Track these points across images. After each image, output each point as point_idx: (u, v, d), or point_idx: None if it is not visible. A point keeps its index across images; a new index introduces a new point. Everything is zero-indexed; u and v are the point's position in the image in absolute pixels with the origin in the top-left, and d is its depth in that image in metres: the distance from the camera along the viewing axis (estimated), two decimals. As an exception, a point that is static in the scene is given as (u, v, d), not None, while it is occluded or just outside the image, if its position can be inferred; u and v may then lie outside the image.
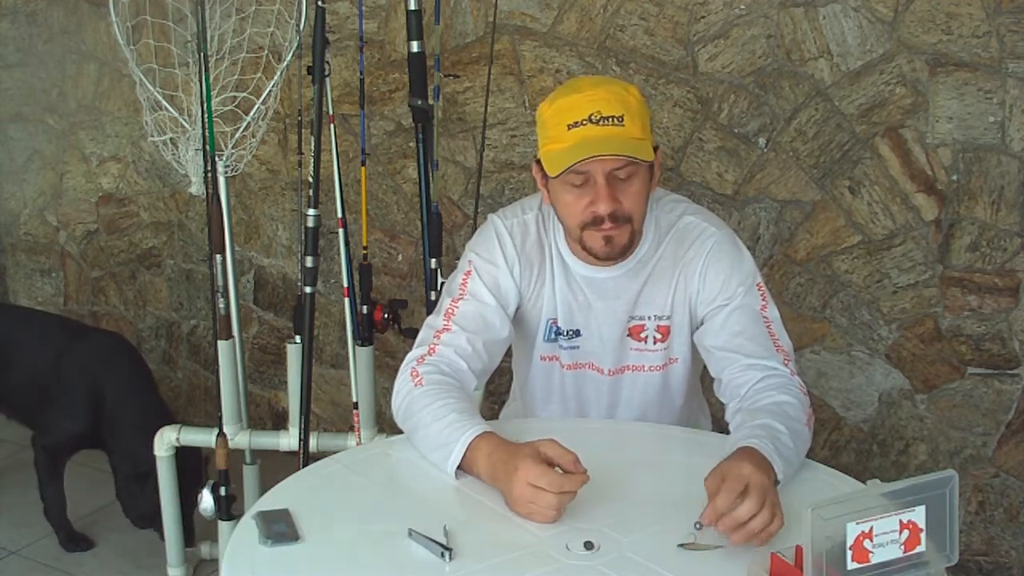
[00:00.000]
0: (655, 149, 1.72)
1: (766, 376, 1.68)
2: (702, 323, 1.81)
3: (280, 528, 1.39)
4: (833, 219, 2.66)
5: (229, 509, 2.44)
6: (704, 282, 1.78)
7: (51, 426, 2.92)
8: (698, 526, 1.35)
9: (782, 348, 1.73)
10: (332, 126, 2.38)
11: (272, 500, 1.50)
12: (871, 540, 1.19)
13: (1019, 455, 2.59)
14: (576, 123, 1.64)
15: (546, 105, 1.72)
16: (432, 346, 1.74)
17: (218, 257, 2.45)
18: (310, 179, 2.34)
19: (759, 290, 1.78)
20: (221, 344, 2.48)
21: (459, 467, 1.55)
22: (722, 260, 1.78)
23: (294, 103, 3.13)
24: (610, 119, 1.64)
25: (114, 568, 2.93)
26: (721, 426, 1.80)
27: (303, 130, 2.63)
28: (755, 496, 1.34)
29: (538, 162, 1.75)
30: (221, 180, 2.53)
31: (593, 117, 1.64)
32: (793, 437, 1.56)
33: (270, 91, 2.50)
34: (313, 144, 2.32)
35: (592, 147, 1.62)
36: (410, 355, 1.76)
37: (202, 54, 2.33)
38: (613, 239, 1.71)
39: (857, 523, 1.18)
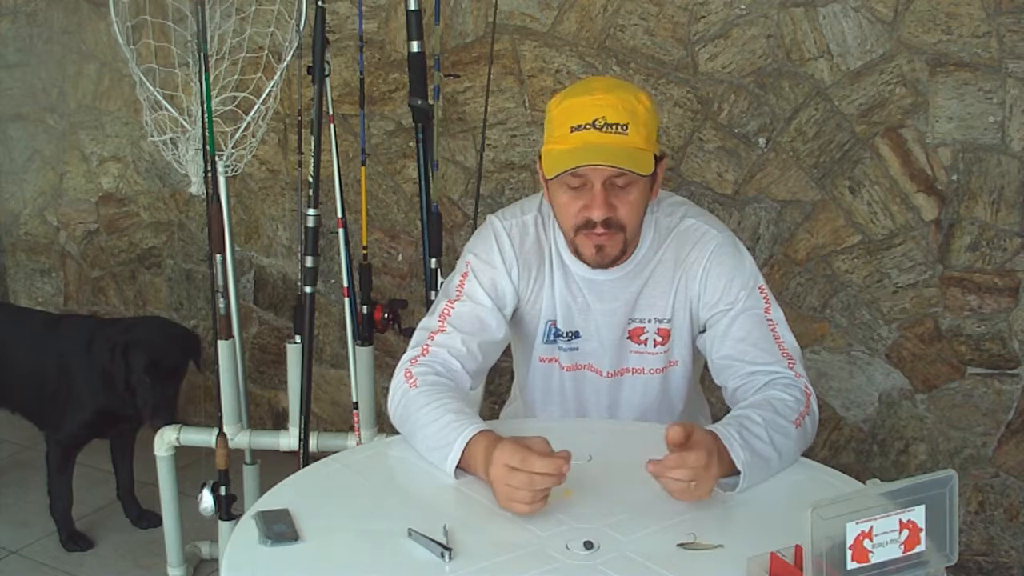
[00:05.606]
0: (661, 158, 1.72)
1: (770, 381, 1.68)
2: (704, 328, 1.80)
3: (280, 528, 1.39)
4: (833, 219, 2.66)
5: (229, 509, 2.44)
6: (705, 286, 1.78)
7: (63, 420, 2.94)
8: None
9: (787, 351, 1.72)
10: (332, 126, 2.38)
11: (272, 500, 1.50)
12: (871, 540, 1.19)
13: (1019, 455, 2.59)
14: (579, 126, 1.64)
15: (556, 102, 1.72)
16: (425, 347, 1.74)
17: (218, 257, 2.45)
18: (310, 179, 2.34)
19: (761, 292, 1.77)
20: (221, 344, 2.49)
21: (458, 466, 1.55)
22: (724, 263, 1.78)
23: (294, 103, 3.13)
24: (614, 127, 1.63)
25: (114, 568, 2.93)
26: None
27: (303, 130, 2.64)
28: (688, 474, 1.42)
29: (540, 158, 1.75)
30: (221, 180, 2.53)
31: (597, 123, 1.63)
32: (769, 428, 1.55)
33: (270, 91, 2.50)
34: (313, 144, 2.32)
35: (591, 155, 1.62)
36: (404, 356, 1.75)
37: (202, 54, 2.33)
38: (604, 248, 1.71)
39: (857, 523, 1.18)
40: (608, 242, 1.70)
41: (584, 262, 1.76)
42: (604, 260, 1.73)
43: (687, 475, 1.41)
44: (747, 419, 1.57)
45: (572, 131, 1.65)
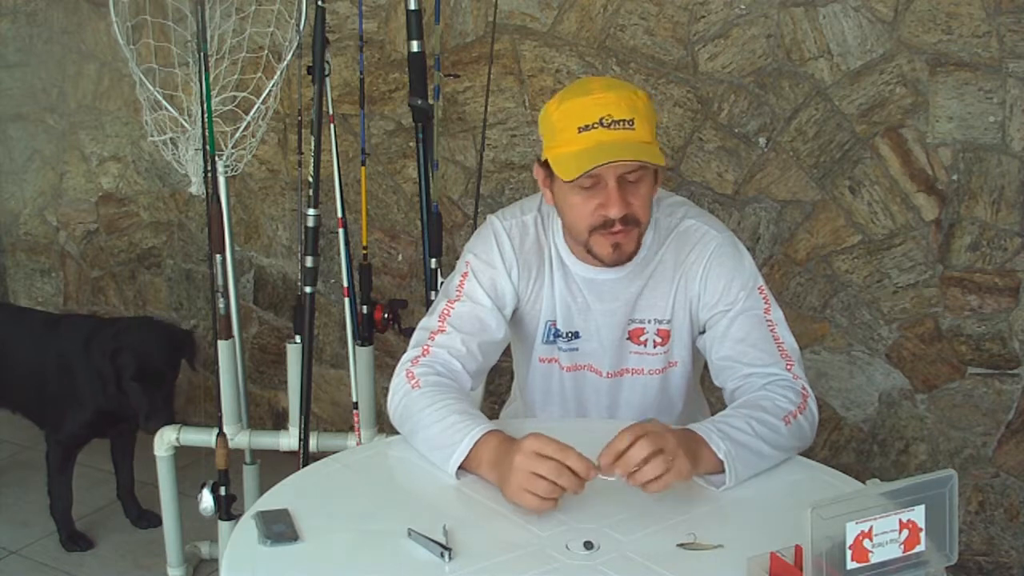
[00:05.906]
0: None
1: (768, 383, 1.68)
2: (704, 329, 1.80)
3: (280, 528, 1.40)
4: (833, 219, 2.66)
5: (229, 509, 2.45)
6: (705, 286, 1.78)
7: (63, 419, 2.94)
8: (597, 464, 1.42)
9: (786, 352, 1.72)
10: (332, 126, 2.38)
11: (272, 500, 1.50)
12: (871, 540, 1.19)
13: (1019, 455, 2.59)
14: (587, 126, 1.63)
15: (553, 105, 1.70)
16: (426, 347, 1.74)
17: (218, 257, 2.45)
18: (310, 179, 2.34)
19: (761, 293, 1.77)
20: (221, 344, 2.49)
21: (461, 466, 1.55)
22: (724, 264, 1.77)
23: (294, 103, 3.13)
24: (621, 123, 1.62)
25: (114, 568, 2.93)
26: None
27: (303, 130, 2.64)
28: (647, 444, 1.40)
29: (540, 163, 1.74)
30: (221, 180, 2.53)
31: (604, 120, 1.62)
32: (753, 422, 1.56)
33: (270, 91, 2.50)
34: (313, 144, 2.32)
35: (607, 152, 1.61)
36: (405, 356, 1.75)
37: (202, 54, 2.33)
38: (621, 245, 1.70)
39: (857, 523, 1.18)
40: (625, 239, 1.69)
41: (600, 261, 1.74)
42: (621, 257, 1.72)
43: (642, 450, 1.39)
44: (727, 416, 1.58)
45: (580, 132, 1.63)
